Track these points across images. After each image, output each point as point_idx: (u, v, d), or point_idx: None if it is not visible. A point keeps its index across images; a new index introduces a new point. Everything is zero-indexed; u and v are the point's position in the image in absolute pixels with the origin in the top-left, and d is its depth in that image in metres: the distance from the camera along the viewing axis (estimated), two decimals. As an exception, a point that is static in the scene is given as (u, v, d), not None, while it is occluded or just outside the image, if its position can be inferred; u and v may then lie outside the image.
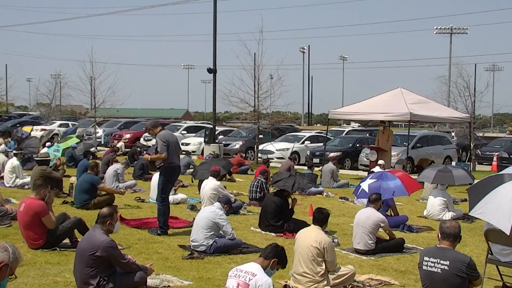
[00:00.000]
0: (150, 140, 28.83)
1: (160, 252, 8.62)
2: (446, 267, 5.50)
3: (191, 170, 18.29)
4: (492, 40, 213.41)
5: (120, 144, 28.83)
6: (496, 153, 26.69)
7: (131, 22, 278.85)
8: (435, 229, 11.29)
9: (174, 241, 9.39)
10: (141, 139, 31.39)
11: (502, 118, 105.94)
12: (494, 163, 25.79)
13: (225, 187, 13.10)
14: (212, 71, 27.60)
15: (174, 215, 11.47)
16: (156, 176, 12.35)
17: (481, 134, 33.59)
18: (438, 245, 5.76)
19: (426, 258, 5.68)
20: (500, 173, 8.06)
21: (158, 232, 9.84)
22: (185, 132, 33.98)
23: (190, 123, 39.60)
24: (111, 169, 15.33)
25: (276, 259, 5.56)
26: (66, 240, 8.55)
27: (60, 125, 38.42)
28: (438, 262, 5.57)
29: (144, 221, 10.86)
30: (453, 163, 22.67)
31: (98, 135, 33.73)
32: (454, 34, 70.95)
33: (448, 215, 12.27)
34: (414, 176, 14.27)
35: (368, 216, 9.11)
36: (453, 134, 31.76)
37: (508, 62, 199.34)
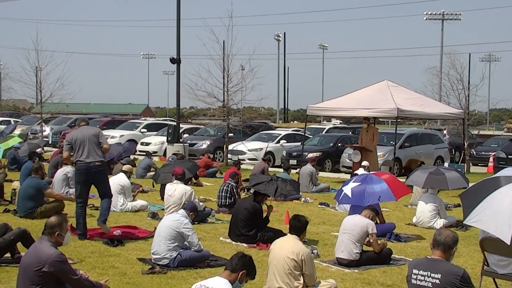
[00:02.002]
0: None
1: (116, 267, 8.57)
2: (437, 281, 5.55)
3: (152, 173, 18.21)
4: (488, 27, 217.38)
5: (71, 144, 28.49)
6: (493, 153, 27.13)
7: (82, 4, 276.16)
8: (426, 237, 11.45)
9: (133, 254, 9.35)
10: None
11: (499, 114, 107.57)
12: (491, 164, 26.21)
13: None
14: (176, 61, 27.50)
15: (133, 224, 11.40)
16: (112, 180, 12.29)
17: (476, 132, 34.12)
18: (428, 256, 5.83)
19: (415, 271, 5.73)
20: (495, 176, 8.17)
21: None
22: (145, 130, 33.78)
23: (151, 120, 39.37)
24: (60, 172, 15.16)
25: (244, 270, 5.55)
26: (8, 255, 8.43)
27: (1, 122, 37.87)
28: (429, 275, 5.62)
29: (98, 231, 10.77)
30: (445, 164, 22.97)
31: (45, 133, 33.34)
32: (446, 20, 72.22)
33: (439, 222, 12.43)
34: (402, 179, 14.42)
35: (356, 222, 9.19)
36: (445, 132, 32.19)
37: (505, 51, 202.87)
